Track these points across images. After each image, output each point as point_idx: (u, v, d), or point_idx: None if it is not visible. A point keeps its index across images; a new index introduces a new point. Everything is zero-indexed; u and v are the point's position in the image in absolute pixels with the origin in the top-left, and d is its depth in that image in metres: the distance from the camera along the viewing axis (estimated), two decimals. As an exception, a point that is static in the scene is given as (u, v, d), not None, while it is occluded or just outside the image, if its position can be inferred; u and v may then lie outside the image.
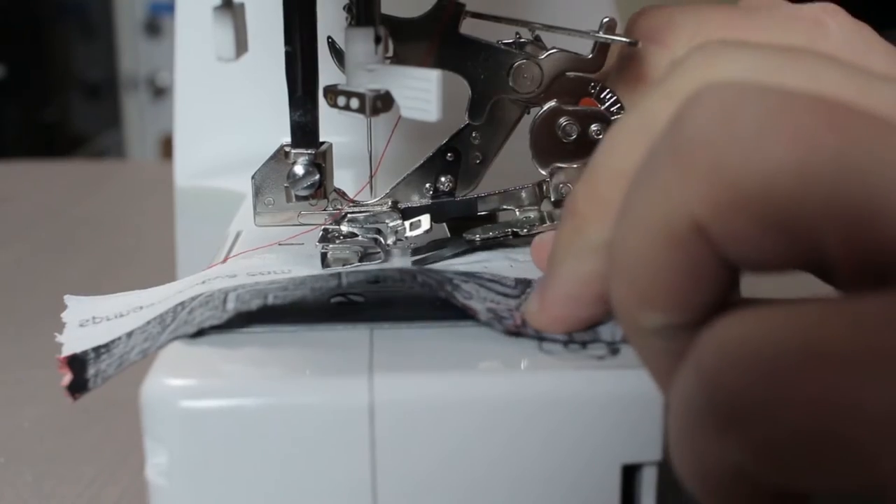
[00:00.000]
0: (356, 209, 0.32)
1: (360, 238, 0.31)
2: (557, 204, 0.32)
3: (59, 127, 2.31)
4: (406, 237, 0.31)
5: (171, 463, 0.22)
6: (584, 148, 0.31)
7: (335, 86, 0.28)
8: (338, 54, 0.30)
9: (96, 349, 0.25)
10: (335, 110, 0.28)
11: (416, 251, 0.31)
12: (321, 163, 0.31)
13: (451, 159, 0.32)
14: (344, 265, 0.29)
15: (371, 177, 0.33)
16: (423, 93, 0.26)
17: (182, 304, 0.26)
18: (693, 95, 0.18)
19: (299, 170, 0.30)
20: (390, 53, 0.30)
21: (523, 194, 0.33)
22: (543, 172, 0.32)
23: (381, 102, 0.27)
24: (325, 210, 0.32)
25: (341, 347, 0.23)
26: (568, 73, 0.31)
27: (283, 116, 0.30)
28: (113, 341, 0.26)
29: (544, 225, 0.32)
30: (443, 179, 0.32)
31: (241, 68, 0.30)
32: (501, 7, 0.32)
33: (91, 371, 0.25)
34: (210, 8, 0.26)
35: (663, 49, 0.31)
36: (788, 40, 0.30)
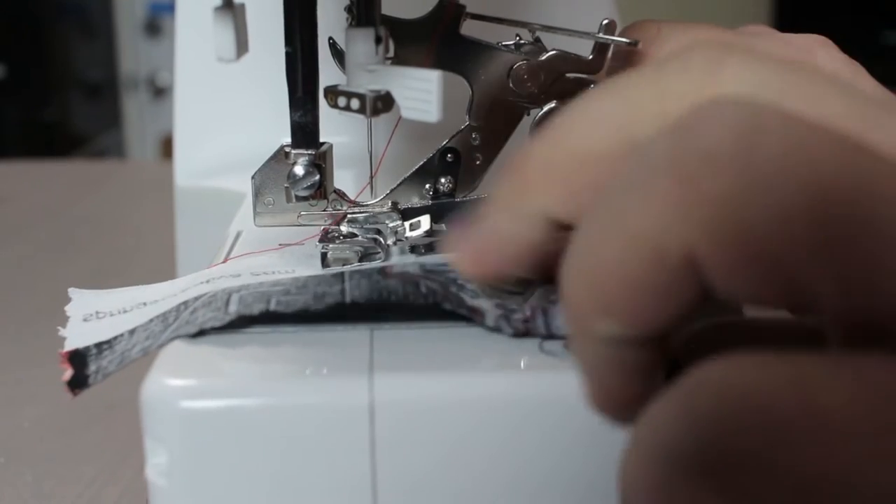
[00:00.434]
0: (356, 210, 0.32)
1: (360, 238, 0.31)
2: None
3: (59, 127, 2.31)
4: (406, 238, 0.31)
5: (171, 463, 0.22)
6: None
7: (335, 86, 0.28)
8: (338, 55, 0.30)
9: (98, 345, 0.25)
10: (335, 111, 0.28)
11: (413, 249, 0.31)
12: (321, 163, 0.31)
13: (451, 160, 0.32)
14: (344, 265, 0.29)
15: (371, 177, 0.33)
16: (423, 93, 0.26)
17: (185, 303, 0.26)
18: (706, 108, 0.17)
19: (299, 170, 0.30)
20: (391, 54, 0.30)
21: (523, 195, 0.33)
22: (543, 173, 0.32)
23: (382, 103, 0.27)
24: (324, 210, 0.32)
25: (341, 347, 0.23)
26: (568, 75, 0.31)
27: (284, 117, 0.30)
28: (115, 338, 0.26)
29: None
30: (443, 180, 0.32)
31: (242, 68, 0.30)
32: (502, 8, 0.32)
33: (92, 367, 0.25)
34: (210, 8, 0.27)
35: (651, 62, 0.31)
36: None
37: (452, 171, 0.32)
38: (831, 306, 0.17)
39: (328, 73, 0.30)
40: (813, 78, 0.19)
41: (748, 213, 0.16)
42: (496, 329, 0.24)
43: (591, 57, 0.31)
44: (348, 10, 0.28)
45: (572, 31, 0.30)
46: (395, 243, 0.31)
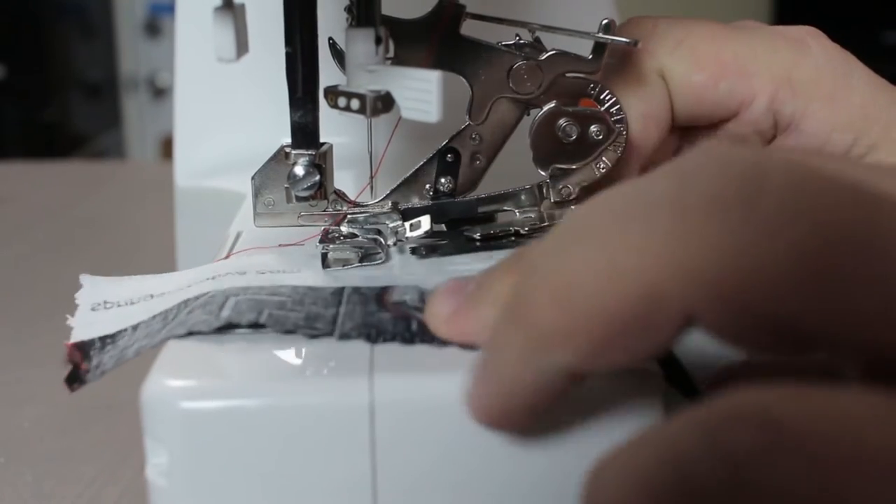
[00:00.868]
0: (356, 210, 0.32)
1: (360, 239, 0.31)
2: (557, 205, 0.32)
3: (59, 127, 2.31)
4: (406, 238, 0.31)
5: (172, 463, 0.22)
6: (584, 149, 0.31)
7: (336, 86, 0.28)
8: (338, 55, 0.30)
9: (102, 339, 0.26)
10: (335, 111, 0.28)
11: (414, 250, 0.31)
12: (321, 164, 0.31)
13: (451, 160, 0.32)
14: (344, 265, 0.29)
15: (371, 178, 0.33)
16: (423, 94, 0.26)
17: (186, 301, 0.26)
18: (707, 153, 0.17)
19: (299, 171, 0.30)
20: (391, 54, 0.30)
21: (523, 196, 0.33)
22: (543, 173, 0.32)
23: (382, 103, 0.27)
24: (325, 211, 0.32)
25: (341, 347, 0.23)
26: (567, 74, 0.31)
27: (284, 117, 0.30)
28: (119, 332, 0.26)
29: (543, 225, 0.32)
30: (443, 180, 0.32)
31: (242, 68, 0.30)
32: (501, 8, 0.32)
33: (94, 362, 0.25)
34: (210, 8, 0.27)
35: (648, 56, 0.31)
36: (773, 58, 0.31)
37: (452, 171, 0.32)
38: (843, 348, 0.16)
39: (328, 73, 0.30)
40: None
41: (755, 261, 0.16)
42: None
43: (590, 56, 0.31)
44: (348, 10, 0.28)
45: (572, 31, 0.30)
46: (395, 243, 0.31)
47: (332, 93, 0.28)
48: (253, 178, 0.32)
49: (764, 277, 0.16)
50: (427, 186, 0.32)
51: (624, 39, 0.30)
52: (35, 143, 2.16)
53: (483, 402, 0.20)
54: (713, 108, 0.32)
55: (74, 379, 0.25)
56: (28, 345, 0.49)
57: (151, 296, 0.27)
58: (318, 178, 0.30)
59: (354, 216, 0.32)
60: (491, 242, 0.31)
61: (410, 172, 0.32)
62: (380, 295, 0.26)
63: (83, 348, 0.25)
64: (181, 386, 0.22)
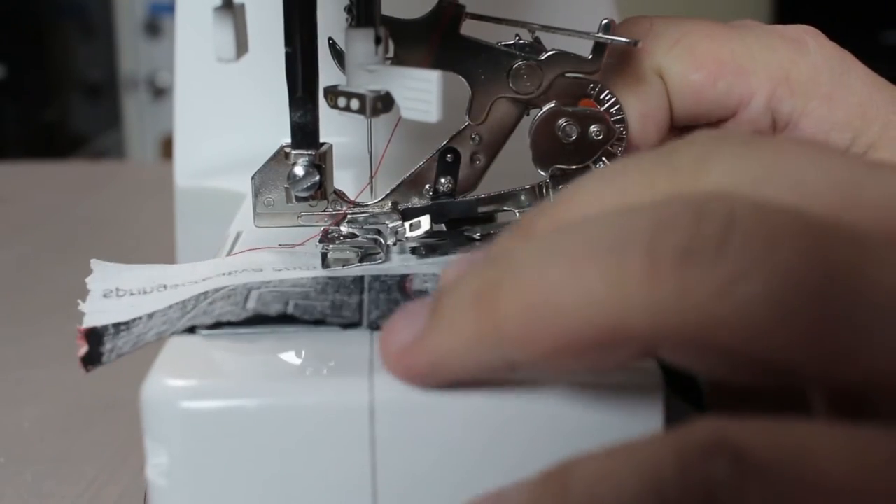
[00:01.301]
0: (356, 210, 0.32)
1: (360, 239, 0.31)
2: (557, 205, 0.32)
3: (59, 127, 2.31)
4: (406, 238, 0.31)
5: (172, 463, 0.22)
6: (583, 149, 0.31)
7: (335, 87, 0.28)
8: (338, 55, 0.30)
9: (116, 325, 0.26)
10: (335, 111, 0.28)
11: (414, 250, 0.31)
12: (321, 164, 0.31)
13: (450, 160, 0.32)
14: (344, 265, 0.29)
15: (371, 178, 0.33)
16: (423, 94, 0.26)
17: (205, 293, 0.26)
18: (683, 201, 0.18)
19: (299, 171, 0.30)
20: (391, 54, 0.30)
21: (523, 196, 0.33)
22: (543, 173, 0.32)
23: (382, 103, 0.27)
24: (324, 211, 0.32)
25: (341, 347, 0.23)
26: (567, 74, 0.31)
27: (284, 117, 0.30)
28: (133, 320, 0.26)
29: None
30: (443, 180, 0.32)
31: (241, 68, 0.30)
32: (501, 8, 0.32)
33: (107, 346, 0.25)
34: (210, 8, 0.27)
35: (645, 56, 0.31)
36: (771, 56, 0.31)
37: (452, 171, 0.32)
38: (809, 383, 0.17)
39: (328, 73, 0.30)
40: (795, 156, 0.20)
41: (718, 309, 0.17)
42: None
43: (590, 56, 0.31)
44: (348, 10, 0.28)
45: (572, 31, 0.30)
46: (395, 244, 0.31)
47: (332, 93, 0.28)
48: (253, 178, 0.32)
49: (726, 324, 0.17)
50: (427, 186, 0.32)
51: (624, 39, 0.30)
52: (35, 143, 2.17)
53: (409, 359, 0.21)
54: (712, 107, 0.32)
55: (91, 360, 0.25)
56: (28, 345, 0.49)
57: (165, 286, 0.28)
58: (317, 178, 0.30)
59: (354, 216, 0.32)
60: (491, 242, 0.31)
61: (410, 172, 0.32)
62: (401, 283, 0.26)
63: (96, 333, 0.25)
64: (181, 386, 0.22)
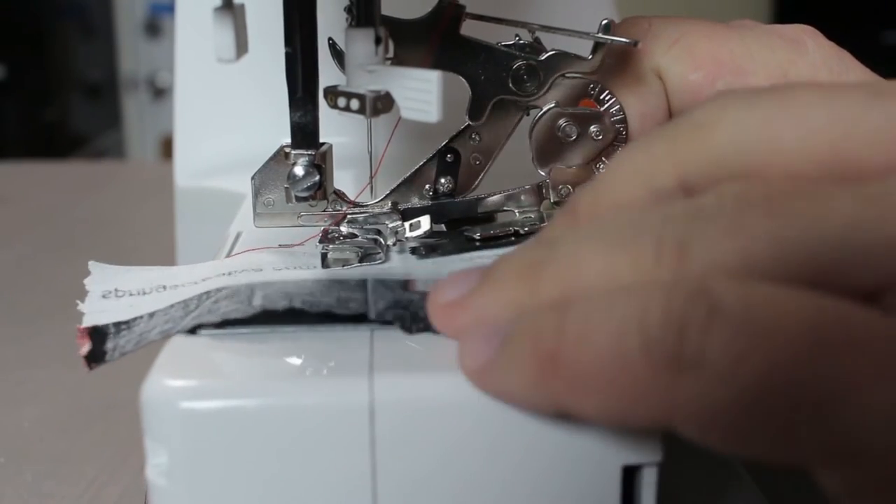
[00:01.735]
0: (356, 210, 0.32)
1: (360, 239, 0.31)
2: (557, 205, 0.32)
3: (59, 127, 2.31)
4: (406, 238, 0.31)
5: (171, 463, 0.22)
6: (583, 149, 0.31)
7: (335, 87, 0.28)
8: (338, 55, 0.30)
9: (117, 325, 0.26)
10: (335, 111, 0.28)
11: (414, 250, 0.31)
12: (321, 164, 0.31)
13: (450, 160, 0.32)
14: (344, 265, 0.29)
15: (371, 178, 0.33)
16: (423, 94, 0.26)
17: (207, 293, 0.26)
18: (673, 292, 0.19)
19: (299, 171, 0.30)
20: (390, 54, 0.30)
21: (523, 196, 0.33)
22: (543, 173, 0.32)
23: (382, 103, 0.27)
24: (324, 211, 0.32)
25: (341, 347, 0.23)
26: (567, 75, 0.31)
27: (283, 117, 0.30)
28: (134, 319, 0.26)
29: (543, 225, 0.32)
30: (443, 181, 0.32)
31: (241, 68, 0.30)
32: (501, 8, 0.32)
33: (109, 345, 0.25)
34: (210, 8, 0.27)
35: (644, 56, 0.31)
36: (769, 56, 0.31)
37: (452, 171, 0.32)
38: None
39: (328, 73, 0.30)
40: (800, 97, 0.21)
41: (707, 408, 0.18)
42: None
43: (590, 57, 0.31)
44: (348, 10, 0.28)
45: (571, 31, 0.30)
46: (395, 244, 0.31)
47: (332, 93, 0.28)
48: (253, 178, 0.32)
49: (717, 423, 0.18)
50: (427, 186, 0.32)
51: (624, 40, 0.30)
52: (35, 143, 2.17)
53: (454, 313, 0.23)
54: None
55: (94, 358, 0.25)
56: (28, 345, 0.49)
57: (164, 287, 0.28)
58: (317, 178, 0.30)
59: (354, 216, 0.32)
60: (491, 242, 0.31)
61: (410, 172, 0.32)
62: (404, 284, 0.27)
63: (99, 332, 0.25)
64: (181, 386, 0.22)
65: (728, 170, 0.21)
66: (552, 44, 0.31)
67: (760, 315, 0.18)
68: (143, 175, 0.98)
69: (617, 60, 0.32)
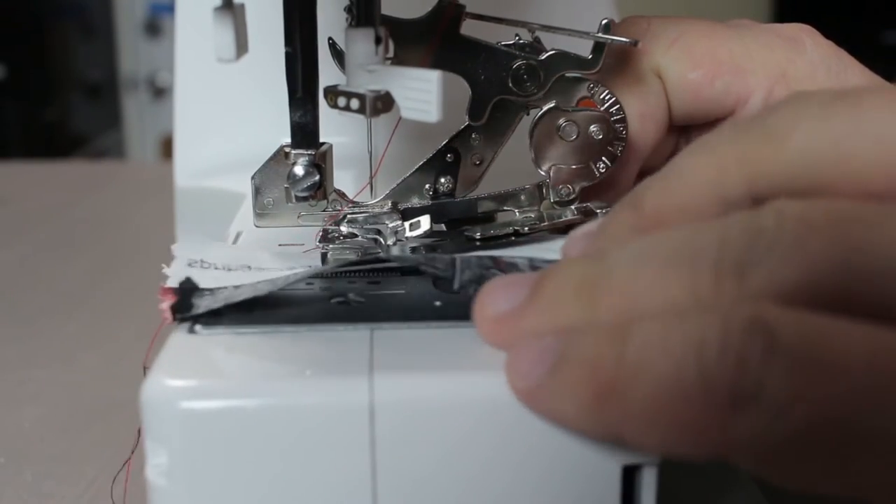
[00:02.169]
0: (356, 210, 0.32)
1: (360, 239, 0.31)
2: (557, 205, 0.32)
3: (59, 127, 2.31)
4: (406, 238, 0.31)
5: (172, 463, 0.22)
6: (583, 149, 0.31)
7: (335, 86, 0.28)
8: (338, 55, 0.30)
9: (201, 289, 0.26)
10: (335, 111, 0.28)
11: (414, 250, 0.31)
12: (321, 163, 0.31)
13: (450, 160, 0.32)
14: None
15: (371, 177, 0.33)
16: (423, 94, 0.26)
17: (295, 273, 0.27)
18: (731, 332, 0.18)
19: (299, 170, 0.30)
20: (391, 54, 0.30)
21: (523, 196, 0.33)
22: (543, 173, 0.32)
23: (382, 103, 0.27)
24: (324, 211, 0.32)
25: (341, 347, 0.23)
26: (567, 74, 0.31)
27: (284, 117, 0.30)
28: (219, 288, 0.26)
29: (543, 225, 0.32)
30: (443, 180, 0.32)
31: (241, 68, 0.30)
32: (501, 8, 0.32)
33: (196, 300, 0.25)
34: (210, 8, 0.27)
35: (643, 55, 0.32)
36: (768, 55, 0.31)
37: (452, 171, 0.32)
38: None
39: (328, 73, 0.30)
40: (874, 111, 0.20)
41: (764, 447, 0.18)
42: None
43: (590, 56, 0.31)
44: (348, 10, 0.28)
45: (571, 31, 0.30)
46: (395, 244, 0.31)
47: (332, 93, 0.28)
48: (253, 178, 0.32)
49: (775, 457, 0.18)
50: (427, 186, 0.32)
51: (624, 39, 0.30)
52: (35, 143, 2.16)
53: (504, 327, 0.23)
54: (710, 106, 0.32)
55: (181, 308, 0.25)
56: (28, 345, 0.49)
57: (249, 267, 0.28)
58: (317, 178, 0.30)
59: (354, 216, 0.32)
60: (491, 242, 0.31)
61: (410, 172, 0.32)
62: (493, 260, 0.27)
63: (182, 290, 0.25)
64: (181, 386, 0.22)
65: (798, 184, 0.21)
66: (552, 44, 0.31)
67: (818, 349, 0.17)
68: (143, 175, 0.98)
69: (617, 60, 0.32)
